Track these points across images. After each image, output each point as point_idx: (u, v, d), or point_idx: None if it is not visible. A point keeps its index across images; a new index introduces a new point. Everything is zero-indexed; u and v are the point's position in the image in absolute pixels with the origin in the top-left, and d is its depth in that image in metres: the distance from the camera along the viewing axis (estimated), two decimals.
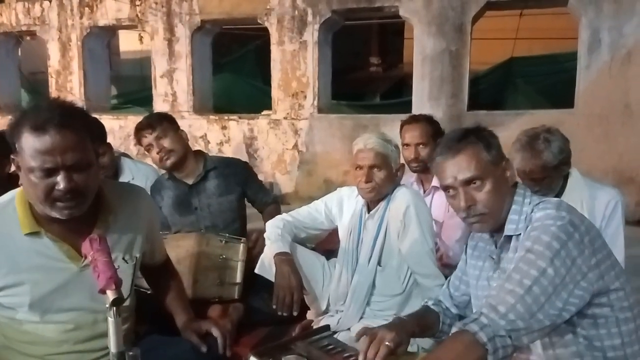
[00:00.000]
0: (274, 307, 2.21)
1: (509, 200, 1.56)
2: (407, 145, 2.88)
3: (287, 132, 6.69)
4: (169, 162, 2.78)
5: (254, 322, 2.55)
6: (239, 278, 2.60)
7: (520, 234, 1.52)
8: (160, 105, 7.17)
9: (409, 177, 3.00)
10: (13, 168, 3.27)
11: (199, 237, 2.63)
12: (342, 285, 2.35)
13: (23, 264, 1.52)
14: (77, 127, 1.46)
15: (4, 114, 8.09)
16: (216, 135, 7.05)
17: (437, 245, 2.70)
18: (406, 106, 6.30)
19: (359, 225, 2.34)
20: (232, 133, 6.99)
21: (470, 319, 1.37)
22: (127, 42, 10.67)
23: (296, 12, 6.47)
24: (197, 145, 6.81)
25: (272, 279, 2.28)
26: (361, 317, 2.28)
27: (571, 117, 5.33)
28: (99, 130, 2.97)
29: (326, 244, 2.78)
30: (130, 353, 1.27)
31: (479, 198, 1.54)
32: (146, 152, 2.86)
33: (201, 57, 7.23)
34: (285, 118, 6.67)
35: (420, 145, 2.86)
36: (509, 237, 1.56)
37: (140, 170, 3.26)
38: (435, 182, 2.89)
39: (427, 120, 2.95)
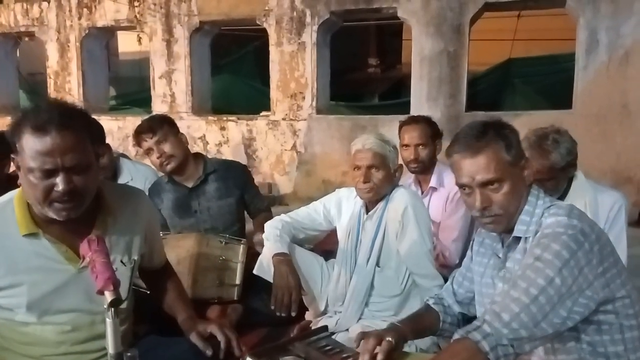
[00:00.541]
0: (273, 307, 2.21)
1: (523, 201, 1.53)
2: (407, 146, 2.88)
3: (286, 133, 6.69)
4: (169, 167, 2.78)
5: (253, 323, 2.55)
6: (238, 279, 2.60)
7: (529, 236, 1.50)
8: (158, 106, 7.16)
9: (407, 178, 3.00)
10: (12, 169, 3.28)
11: (199, 237, 2.64)
12: (340, 286, 2.35)
13: (21, 265, 1.52)
14: (78, 129, 1.46)
15: (3, 115, 8.09)
16: (215, 136, 7.05)
17: (434, 246, 2.70)
18: (404, 107, 6.30)
19: (358, 226, 2.34)
20: (231, 134, 6.99)
21: (473, 326, 1.35)
22: (126, 43, 10.67)
23: (295, 13, 6.47)
24: (195, 146, 6.81)
25: (271, 280, 2.28)
26: (359, 318, 2.28)
27: (569, 117, 5.33)
28: (98, 132, 2.98)
29: (324, 245, 2.78)
30: (129, 354, 1.27)
31: (495, 199, 1.50)
32: (145, 155, 2.86)
33: (200, 58, 7.23)
34: (283, 119, 6.67)
35: (420, 146, 2.86)
36: (518, 238, 1.53)
37: (139, 171, 3.26)
38: (433, 182, 2.90)
39: (427, 121, 2.96)
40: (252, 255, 2.61)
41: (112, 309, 1.23)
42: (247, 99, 8.68)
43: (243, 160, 6.57)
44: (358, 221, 2.35)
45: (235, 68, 9.54)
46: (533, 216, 1.51)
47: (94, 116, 1.82)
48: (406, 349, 1.76)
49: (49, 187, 1.44)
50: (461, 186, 1.55)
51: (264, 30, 6.79)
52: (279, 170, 6.80)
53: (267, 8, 6.57)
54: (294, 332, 2.33)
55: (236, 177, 2.91)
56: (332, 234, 2.55)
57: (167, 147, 2.75)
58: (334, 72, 7.03)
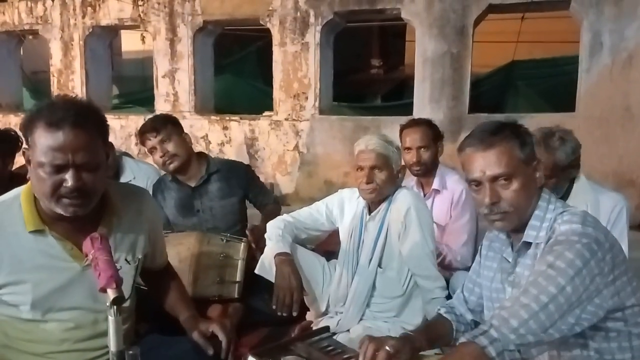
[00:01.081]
0: (274, 307, 2.21)
1: (534, 203, 1.51)
2: (409, 149, 2.87)
3: (288, 133, 6.69)
4: (172, 166, 2.79)
5: (254, 323, 2.55)
6: (239, 277, 2.61)
7: (539, 242, 1.48)
8: (161, 106, 7.17)
9: (409, 181, 3.00)
10: (15, 167, 3.29)
11: (200, 235, 2.64)
12: (342, 287, 2.35)
13: (26, 262, 1.52)
14: (91, 128, 1.48)
15: (6, 112, 8.11)
16: (217, 136, 7.05)
17: (440, 250, 2.70)
18: (407, 108, 6.30)
19: (360, 226, 2.34)
20: (233, 134, 6.99)
21: (480, 330, 1.34)
22: (129, 42, 10.67)
23: (298, 14, 6.48)
24: (198, 146, 6.81)
25: (272, 280, 2.28)
26: (361, 319, 2.28)
27: (572, 120, 5.32)
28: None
29: (326, 245, 2.78)
30: (130, 352, 1.27)
31: (504, 196, 1.48)
32: (149, 154, 2.87)
33: (203, 58, 7.24)
34: (286, 119, 6.67)
35: (422, 149, 2.86)
36: (528, 243, 1.52)
37: (141, 169, 3.27)
38: (435, 185, 2.89)
39: (428, 124, 2.95)
40: (254, 255, 2.61)
41: (115, 307, 1.24)
42: (249, 99, 8.68)
43: (245, 160, 6.57)
44: (360, 222, 2.35)
45: (238, 68, 9.54)
46: (544, 221, 1.49)
47: None
48: None
49: (57, 182, 1.44)
50: (471, 181, 1.54)
51: (267, 31, 6.80)
52: (281, 171, 6.80)
53: (270, 8, 6.57)
54: (295, 332, 2.33)
55: (239, 177, 2.91)
56: (334, 234, 2.55)
57: (170, 147, 2.76)
58: (337, 73, 7.03)
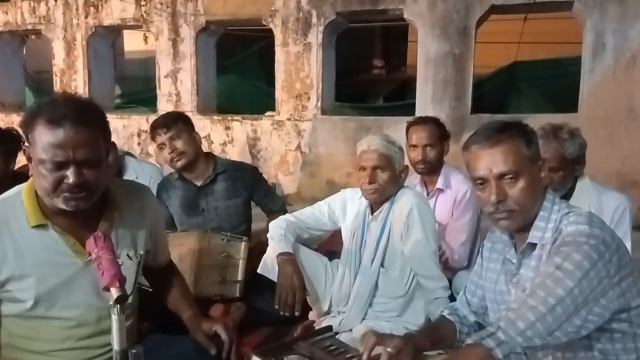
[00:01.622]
0: (276, 307, 2.21)
1: (539, 203, 1.50)
2: (415, 146, 2.86)
3: (291, 133, 6.69)
4: (179, 164, 2.79)
5: (256, 322, 2.55)
6: (240, 276, 2.61)
7: (545, 243, 1.47)
8: (164, 105, 7.18)
9: (413, 179, 2.99)
10: (18, 166, 3.29)
11: (201, 235, 2.64)
12: (344, 287, 2.35)
13: (30, 257, 1.53)
14: (92, 124, 1.48)
15: (9, 112, 8.12)
16: (220, 136, 7.06)
17: (441, 249, 2.70)
18: (409, 108, 6.29)
19: (362, 226, 2.34)
20: (236, 134, 6.99)
21: (487, 332, 1.34)
22: (132, 42, 10.69)
23: (301, 14, 6.48)
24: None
25: (275, 279, 2.28)
26: (363, 319, 2.28)
27: (575, 120, 5.28)
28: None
29: (329, 245, 2.78)
30: (133, 351, 1.27)
31: (511, 194, 1.47)
32: (158, 150, 2.88)
33: (205, 58, 7.24)
34: (288, 119, 6.67)
35: (428, 147, 2.84)
36: (532, 244, 1.50)
37: (144, 169, 3.28)
38: (439, 184, 2.89)
39: (435, 122, 2.94)
40: (257, 254, 2.61)
41: (118, 305, 1.24)
42: (251, 99, 8.69)
43: (247, 160, 6.58)
44: (363, 222, 2.34)
45: (240, 68, 9.55)
46: (549, 222, 1.48)
47: None
48: None
49: (59, 179, 1.45)
50: (477, 179, 1.52)
51: (269, 31, 6.80)
52: (283, 171, 6.80)
53: (273, 8, 6.58)
54: (297, 332, 2.34)
55: (245, 178, 2.91)
56: (337, 234, 2.55)
57: (179, 144, 2.77)
58: (339, 73, 7.03)
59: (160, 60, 7.27)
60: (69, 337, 1.59)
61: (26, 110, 1.52)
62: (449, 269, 2.70)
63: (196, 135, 2.88)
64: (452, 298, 2.16)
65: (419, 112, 5.83)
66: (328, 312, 2.43)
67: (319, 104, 6.51)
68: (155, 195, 2.84)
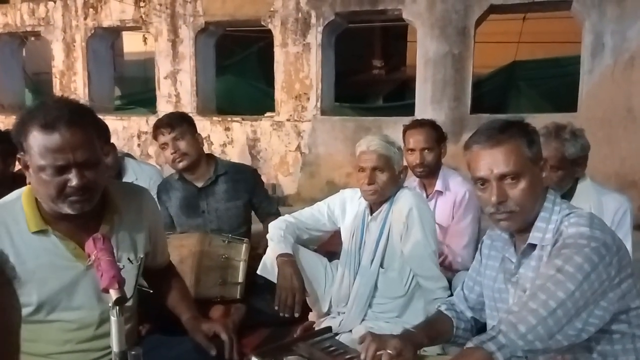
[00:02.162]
0: (276, 308, 2.21)
1: (539, 203, 1.49)
2: (412, 150, 2.86)
3: (290, 134, 6.69)
4: (181, 165, 2.80)
5: (256, 323, 2.55)
6: (241, 278, 2.61)
7: (545, 245, 1.46)
8: (163, 107, 7.18)
9: (412, 182, 2.99)
10: (18, 167, 3.28)
11: (202, 236, 2.65)
12: (344, 287, 2.35)
13: (31, 262, 1.52)
14: (86, 125, 1.48)
15: (8, 114, 8.12)
16: (219, 137, 7.06)
17: (442, 254, 2.70)
18: (409, 109, 6.30)
19: (362, 227, 2.34)
20: (235, 134, 7.00)
21: (488, 335, 1.34)
22: (131, 44, 10.68)
23: (300, 15, 6.48)
24: None
25: (275, 280, 2.28)
26: (363, 319, 2.28)
27: (574, 120, 5.25)
28: (103, 130, 2.99)
29: (328, 246, 2.78)
30: (133, 352, 1.27)
31: (512, 195, 1.46)
32: (161, 149, 2.89)
33: (205, 59, 7.24)
34: (288, 120, 6.67)
35: (426, 150, 2.84)
36: (533, 245, 1.50)
37: (143, 171, 3.28)
38: (438, 186, 2.89)
39: (431, 125, 2.94)
40: (257, 256, 2.62)
41: (117, 307, 1.24)
42: (251, 99, 8.69)
43: (247, 161, 6.58)
44: (362, 222, 2.35)
45: (239, 69, 9.55)
46: (549, 223, 1.47)
47: (99, 116, 1.83)
48: None
49: (62, 183, 1.44)
50: (477, 180, 1.51)
51: (268, 32, 6.80)
52: (282, 171, 6.81)
53: (272, 9, 6.58)
54: (297, 333, 2.34)
55: (246, 180, 2.92)
56: (336, 234, 2.55)
57: (182, 145, 2.78)
58: (339, 74, 7.03)
59: (160, 62, 7.27)
60: (70, 340, 1.59)
61: (16, 119, 1.49)
62: (449, 270, 2.70)
63: (199, 137, 2.89)
64: None
65: (419, 112, 5.83)
66: (328, 313, 2.43)
67: (319, 104, 6.51)
68: (156, 196, 2.84)
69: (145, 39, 8.05)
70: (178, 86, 7.20)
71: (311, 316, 2.52)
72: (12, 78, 8.64)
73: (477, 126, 1.58)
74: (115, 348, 1.23)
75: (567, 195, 2.30)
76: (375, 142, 2.23)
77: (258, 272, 2.43)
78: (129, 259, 1.67)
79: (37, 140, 1.42)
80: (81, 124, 1.46)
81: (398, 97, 10.27)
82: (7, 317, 0.57)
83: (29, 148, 1.44)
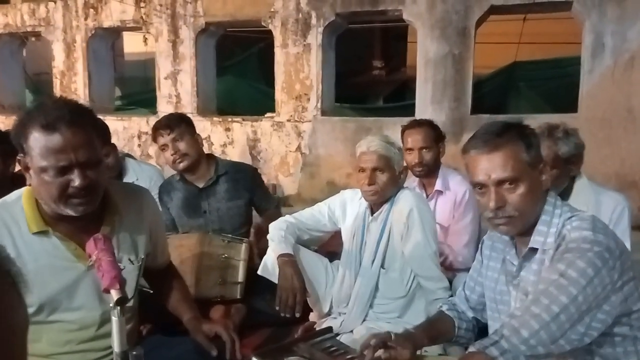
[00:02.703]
0: (277, 308, 2.21)
1: (539, 207, 1.48)
2: (410, 149, 2.87)
3: (291, 135, 6.69)
4: (181, 165, 2.80)
5: (257, 323, 2.55)
6: (241, 277, 2.61)
7: (547, 249, 1.45)
8: (164, 107, 7.18)
9: (412, 182, 2.99)
10: (17, 168, 3.28)
11: (202, 236, 2.65)
12: (345, 288, 2.35)
13: (31, 263, 1.52)
14: (86, 124, 1.47)
15: (9, 114, 8.13)
16: (220, 137, 7.06)
17: (442, 254, 2.70)
18: (409, 109, 6.30)
19: (362, 227, 2.34)
20: (236, 135, 7.00)
21: (490, 340, 1.33)
22: (132, 44, 10.69)
23: (300, 15, 6.48)
24: None
25: (275, 281, 2.28)
26: (364, 320, 2.28)
27: (574, 121, 5.28)
28: (103, 130, 3.00)
29: (329, 246, 2.78)
30: (134, 353, 1.27)
31: (510, 200, 1.44)
32: (160, 151, 2.89)
33: (205, 59, 7.25)
34: (288, 120, 6.68)
35: (424, 150, 2.85)
36: (534, 249, 1.49)
37: (144, 171, 3.28)
38: (438, 186, 2.89)
39: (429, 125, 2.95)
40: (257, 255, 2.62)
41: (118, 307, 1.24)
42: (251, 100, 8.70)
43: (247, 161, 6.58)
44: (363, 223, 2.35)
45: (240, 70, 9.56)
46: (551, 226, 1.46)
47: (100, 116, 1.83)
48: None
49: (64, 183, 1.44)
50: (475, 185, 1.50)
51: (269, 32, 6.80)
52: (283, 172, 6.81)
53: (272, 10, 6.58)
54: (298, 333, 2.34)
55: (246, 179, 2.92)
56: (337, 235, 2.55)
57: (182, 146, 2.78)
58: (339, 74, 7.04)
59: (160, 62, 7.27)
60: (70, 341, 1.59)
61: (15, 120, 1.48)
62: (449, 270, 2.70)
63: (198, 137, 2.88)
64: None
65: (419, 112, 5.83)
66: (328, 314, 2.42)
67: (319, 105, 6.52)
68: (157, 197, 2.85)
69: (145, 40, 8.06)
70: (178, 86, 7.21)
71: (312, 316, 2.52)
72: (12, 78, 8.65)
73: (477, 127, 1.57)
74: (116, 348, 1.23)
75: (565, 194, 2.29)
76: (375, 143, 2.23)
77: (259, 272, 2.43)
78: (129, 259, 1.66)
79: (37, 141, 1.42)
80: (81, 123, 1.45)
81: (398, 97, 10.28)
82: (14, 319, 0.57)
83: (30, 149, 1.44)
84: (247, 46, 9.70)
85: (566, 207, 1.50)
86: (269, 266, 2.38)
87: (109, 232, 1.58)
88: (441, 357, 2.03)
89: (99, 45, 7.85)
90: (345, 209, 2.46)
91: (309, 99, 6.55)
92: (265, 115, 7.00)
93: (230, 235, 2.71)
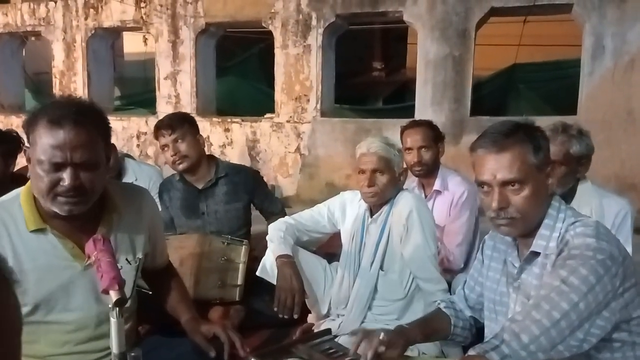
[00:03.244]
0: (275, 309, 2.21)
1: (543, 210, 1.47)
2: (410, 149, 2.88)
3: (290, 135, 6.69)
4: (181, 167, 2.80)
5: (255, 325, 2.55)
6: (240, 280, 2.61)
7: (549, 253, 1.44)
8: (163, 107, 7.18)
9: (411, 182, 3.00)
10: (17, 167, 3.29)
11: (201, 238, 2.64)
12: (343, 289, 2.35)
13: (28, 261, 1.52)
14: (91, 126, 1.48)
15: (8, 114, 8.12)
16: (219, 138, 7.06)
17: (440, 253, 2.70)
18: (409, 111, 6.30)
19: (362, 229, 2.34)
20: (235, 136, 7.00)
21: (491, 344, 1.33)
22: (131, 44, 10.70)
23: (300, 16, 6.48)
24: None
25: (274, 282, 2.28)
26: (362, 322, 2.28)
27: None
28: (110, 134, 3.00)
29: (328, 248, 2.78)
30: (132, 354, 1.27)
31: (513, 201, 1.43)
32: (161, 150, 2.88)
33: (205, 60, 7.25)
34: (288, 121, 6.67)
35: (423, 149, 2.86)
36: (536, 252, 1.48)
37: (143, 171, 3.28)
38: (437, 186, 2.90)
39: (428, 125, 2.96)
40: (256, 257, 2.62)
41: (117, 308, 1.24)
42: (251, 101, 8.70)
43: (247, 162, 6.58)
44: (362, 224, 2.34)
45: (239, 70, 9.56)
46: (554, 231, 1.45)
47: None
48: (408, 353, 1.75)
49: (55, 180, 1.44)
50: (480, 184, 1.49)
51: (269, 33, 6.80)
52: (282, 173, 6.80)
53: (273, 10, 6.58)
54: (296, 335, 2.34)
55: (246, 182, 2.91)
56: (336, 236, 2.55)
57: (182, 147, 2.77)
58: (339, 76, 7.04)
59: (160, 62, 7.27)
60: (68, 342, 1.58)
61: (29, 112, 1.52)
62: (448, 272, 2.70)
63: (200, 138, 2.87)
64: None
65: (419, 114, 5.83)
66: (327, 315, 2.42)
67: (319, 106, 6.51)
68: (156, 197, 2.84)
69: (145, 40, 8.06)
70: (178, 87, 7.21)
71: (310, 318, 2.51)
72: (12, 78, 8.64)
73: (477, 128, 1.57)
74: (114, 349, 1.23)
75: (568, 196, 2.29)
76: (375, 144, 2.23)
77: (257, 273, 2.42)
78: (127, 259, 1.66)
79: (41, 135, 1.43)
80: (87, 124, 1.46)
81: (398, 99, 10.28)
82: (9, 317, 0.57)
83: (34, 142, 1.46)
84: (247, 47, 9.70)
85: (570, 212, 1.49)
86: (268, 267, 2.38)
87: (106, 231, 1.58)
88: (439, 359, 2.03)
89: (98, 45, 7.84)
90: (345, 211, 2.46)
91: (308, 100, 6.54)
92: (265, 116, 7.00)
93: (229, 237, 2.71)
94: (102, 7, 7.52)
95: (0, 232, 1.52)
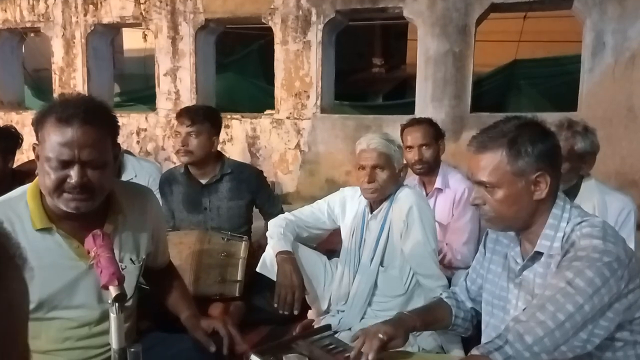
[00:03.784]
0: (276, 305, 2.21)
1: (536, 214, 1.47)
2: (410, 147, 2.87)
3: (290, 132, 6.68)
4: (183, 159, 2.83)
5: (256, 321, 2.56)
6: (240, 275, 2.61)
7: (554, 254, 1.44)
8: (163, 104, 7.17)
9: (412, 180, 2.99)
10: (17, 164, 3.28)
11: (201, 234, 2.64)
12: (343, 285, 2.35)
13: (33, 260, 1.50)
14: (100, 125, 1.48)
15: (7, 110, 8.11)
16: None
17: (441, 251, 2.70)
18: (409, 107, 6.29)
19: (362, 225, 2.34)
20: (235, 132, 6.98)
21: (495, 345, 1.33)
22: (131, 40, 10.68)
23: (300, 12, 6.46)
24: None
25: (274, 278, 2.28)
26: (362, 318, 2.28)
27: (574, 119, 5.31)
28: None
29: (328, 244, 2.78)
30: (132, 350, 1.27)
31: (488, 201, 1.48)
32: (174, 135, 2.90)
33: (205, 56, 7.23)
34: (288, 118, 6.66)
35: (424, 147, 2.86)
36: (540, 252, 1.48)
37: (143, 167, 3.27)
38: (438, 184, 2.89)
39: (428, 122, 2.96)
40: (256, 253, 2.61)
41: (117, 304, 1.23)
42: (251, 97, 8.68)
43: (247, 158, 6.57)
44: (362, 220, 2.34)
45: (239, 66, 9.53)
46: (558, 231, 1.45)
47: None
48: (408, 348, 1.75)
49: (62, 178, 1.45)
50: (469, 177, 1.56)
51: (269, 29, 6.79)
52: (282, 169, 6.80)
53: (272, 6, 6.56)
54: (296, 331, 2.34)
55: (249, 181, 2.92)
56: (336, 233, 2.55)
57: (193, 143, 2.78)
58: (339, 72, 7.02)
59: (160, 59, 7.25)
60: (69, 337, 1.58)
61: (39, 109, 1.52)
62: (448, 268, 2.70)
63: (215, 140, 2.87)
64: None
65: (419, 110, 5.82)
66: (327, 311, 2.42)
67: (319, 102, 6.50)
68: (159, 189, 2.85)
69: (145, 36, 8.04)
70: (178, 83, 7.19)
71: (310, 314, 2.51)
72: (11, 74, 8.61)
73: (477, 125, 1.61)
74: (114, 345, 1.23)
75: (571, 193, 2.29)
76: (375, 140, 2.23)
77: (257, 269, 2.42)
78: (131, 259, 1.67)
79: (50, 133, 1.44)
80: (95, 123, 1.46)
81: (398, 95, 10.27)
82: (21, 302, 0.57)
83: (43, 139, 1.46)
84: (247, 43, 9.68)
85: (576, 211, 1.49)
86: (268, 263, 2.38)
87: (112, 230, 1.59)
88: (439, 355, 2.03)
89: (98, 41, 7.82)
90: (345, 207, 2.46)
91: (308, 96, 6.53)
92: (265, 113, 6.99)
93: (229, 233, 2.71)
94: (101, 3, 7.50)
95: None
